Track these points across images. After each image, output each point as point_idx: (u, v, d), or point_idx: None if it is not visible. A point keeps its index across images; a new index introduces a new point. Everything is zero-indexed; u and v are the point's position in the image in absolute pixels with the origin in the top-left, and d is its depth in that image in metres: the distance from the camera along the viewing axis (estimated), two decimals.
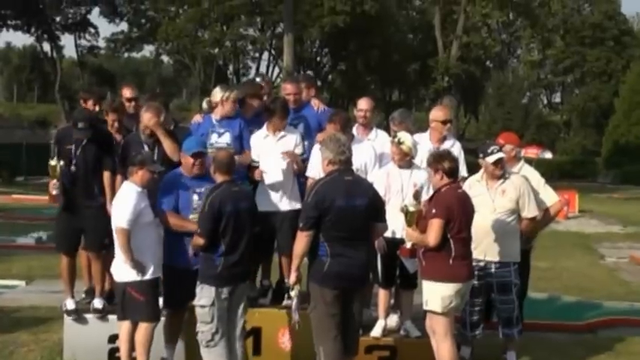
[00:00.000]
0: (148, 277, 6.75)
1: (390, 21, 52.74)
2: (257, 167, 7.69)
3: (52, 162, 7.42)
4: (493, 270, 7.30)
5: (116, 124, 7.99)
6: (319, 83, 55.28)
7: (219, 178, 6.69)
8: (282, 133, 7.74)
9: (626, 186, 39.07)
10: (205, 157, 7.02)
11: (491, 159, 7.28)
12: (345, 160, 6.40)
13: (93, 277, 7.83)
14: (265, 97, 8.32)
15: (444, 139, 7.88)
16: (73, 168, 7.52)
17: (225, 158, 6.77)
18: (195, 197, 6.96)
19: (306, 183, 7.58)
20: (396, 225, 6.92)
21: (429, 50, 48.26)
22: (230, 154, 6.91)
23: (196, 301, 6.63)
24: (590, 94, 62.84)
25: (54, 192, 7.62)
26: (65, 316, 7.63)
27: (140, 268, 6.70)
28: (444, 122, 7.93)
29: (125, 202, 6.72)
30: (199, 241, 6.56)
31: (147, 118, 7.45)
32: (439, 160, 6.63)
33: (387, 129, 8.23)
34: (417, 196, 6.68)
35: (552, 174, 44.22)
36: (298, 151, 7.77)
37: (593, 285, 12.90)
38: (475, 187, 7.43)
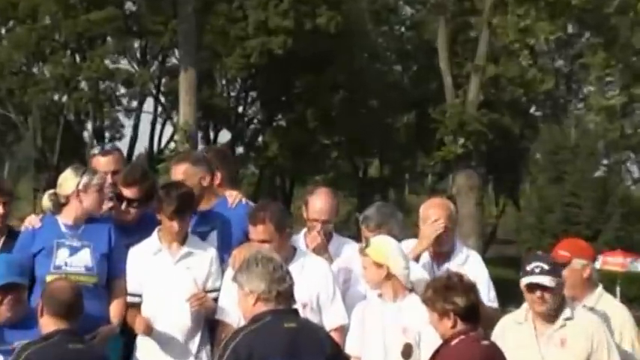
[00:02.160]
0: None
1: (363, 43, 34.34)
2: (138, 306, 5.52)
3: None
4: None
5: None
6: (242, 150, 38.41)
7: (49, 325, 4.76)
8: (186, 249, 5.51)
9: None
10: (24, 293, 5.12)
11: (526, 280, 4.93)
12: (284, 293, 4.50)
13: None
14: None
15: (450, 252, 5.67)
16: None
17: (64, 293, 4.81)
18: None
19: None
20: None
21: (430, 91, 32.55)
22: (75, 289, 4.85)
23: None
24: None
25: None
26: None
27: None
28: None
29: None
30: None
31: None
32: (446, 293, 4.72)
33: (358, 232, 5.77)
34: (408, 353, 5.04)
35: None
36: (211, 284, 5.50)
37: None
38: (514, 332, 5.21)
